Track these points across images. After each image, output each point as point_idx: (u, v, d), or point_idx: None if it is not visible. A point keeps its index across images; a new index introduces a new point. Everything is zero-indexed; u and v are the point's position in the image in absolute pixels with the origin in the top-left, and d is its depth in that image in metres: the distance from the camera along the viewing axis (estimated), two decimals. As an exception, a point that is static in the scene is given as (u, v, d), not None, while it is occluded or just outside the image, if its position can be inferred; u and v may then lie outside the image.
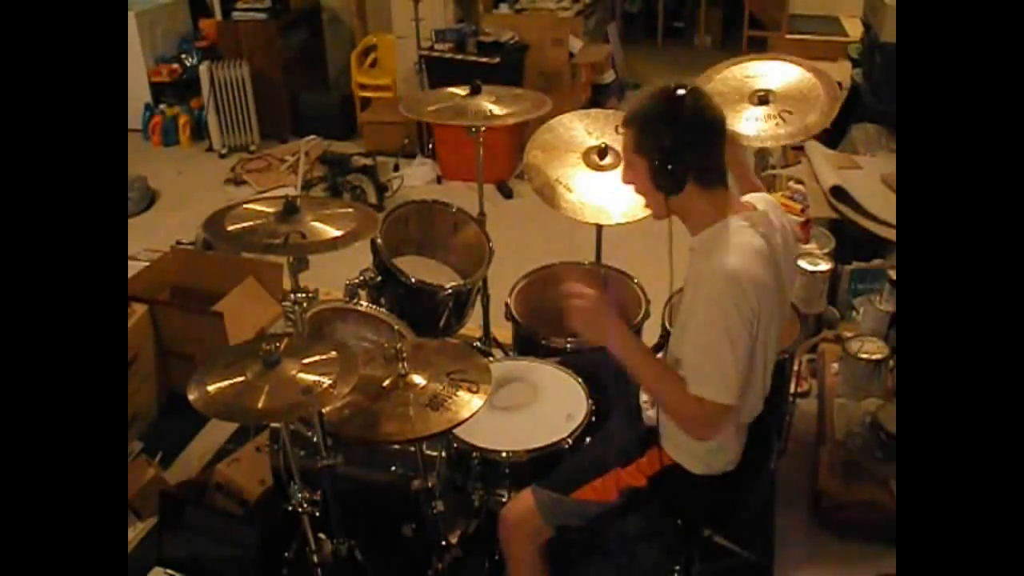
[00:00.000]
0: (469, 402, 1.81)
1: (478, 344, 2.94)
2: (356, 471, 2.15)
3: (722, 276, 1.60)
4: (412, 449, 2.00)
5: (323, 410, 1.83)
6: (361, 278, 2.46)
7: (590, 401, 2.11)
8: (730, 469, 1.83)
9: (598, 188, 2.54)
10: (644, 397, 1.95)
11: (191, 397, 1.68)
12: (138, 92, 5.47)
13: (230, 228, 1.88)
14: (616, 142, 2.59)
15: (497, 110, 2.63)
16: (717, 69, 2.50)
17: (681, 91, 1.64)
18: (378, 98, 5.39)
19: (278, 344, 1.79)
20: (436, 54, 4.85)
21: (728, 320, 1.58)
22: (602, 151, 2.58)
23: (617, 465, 1.87)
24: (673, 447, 1.83)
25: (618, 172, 2.52)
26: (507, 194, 4.71)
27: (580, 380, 2.18)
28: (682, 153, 1.64)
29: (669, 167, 1.64)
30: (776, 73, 2.43)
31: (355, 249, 1.90)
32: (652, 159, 1.65)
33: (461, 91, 2.73)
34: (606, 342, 1.72)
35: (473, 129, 2.68)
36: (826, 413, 2.71)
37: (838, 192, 3.29)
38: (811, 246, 3.06)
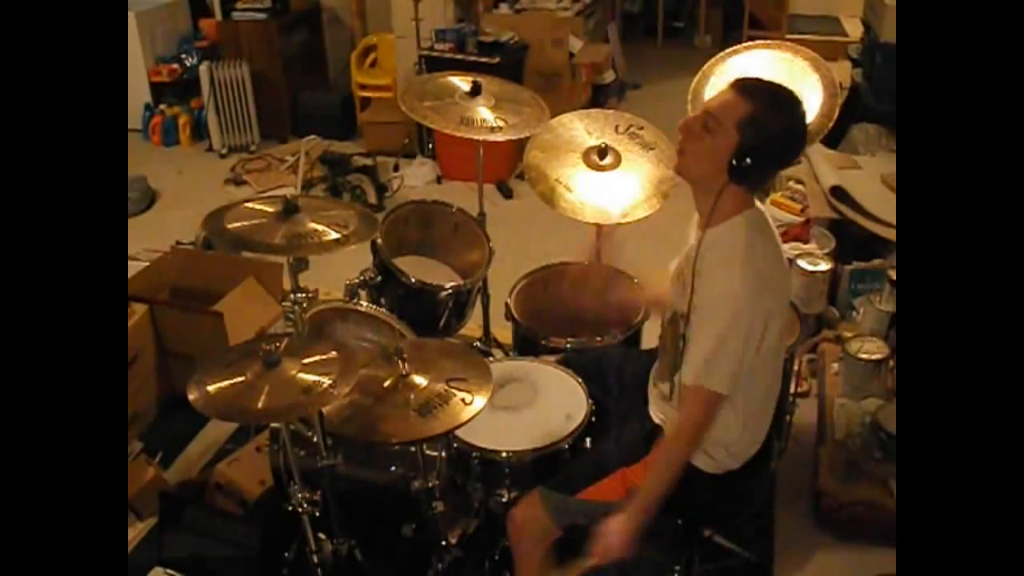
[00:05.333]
0: (466, 407, 1.80)
1: (478, 344, 2.95)
2: (356, 471, 2.15)
3: (739, 279, 1.63)
4: (412, 449, 2.00)
5: (323, 410, 1.83)
6: (361, 278, 2.46)
7: (590, 401, 2.11)
8: (738, 467, 1.84)
9: (598, 188, 2.53)
10: (651, 395, 1.95)
11: (191, 397, 1.68)
12: (138, 92, 5.46)
13: (230, 226, 1.88)
14: (616, 142, 2.59)
15: (496, 122, 2.60)
16: (714, 63, 2.50)
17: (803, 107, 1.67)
18: (378, 98, 5.39)
19: (278, 344, 1.79)
20: (436, 54, 4.85)
21: (743, 319, 1.63)
22: (602, 151, 2.57)
23: (623, 464, 1.87)
24: None
25: (618, 172, 2.54)
26: (507, 194, 4.71)
27: (580, 380, 2.17)
28: (773, 157, 1.67)
29: (751, 160, 1.62)
30: (772, 68, 2.43)
31: (355, 249, 1.91)
32: (747, 141, 1.62)
33: (463, 83, 2.72)
34: (635, 535, 1.73)
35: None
36: (826, 413, 2.71)
37: (838, 192, 3.29)
38: (811, 246, 3.06)
